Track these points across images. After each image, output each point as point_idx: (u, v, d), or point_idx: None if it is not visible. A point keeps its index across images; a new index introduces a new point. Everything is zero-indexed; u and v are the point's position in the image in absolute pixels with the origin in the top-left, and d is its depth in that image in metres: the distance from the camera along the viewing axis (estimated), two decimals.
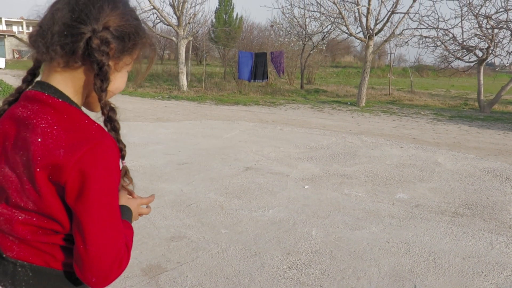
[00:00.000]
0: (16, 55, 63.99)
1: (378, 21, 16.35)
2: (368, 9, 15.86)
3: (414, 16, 14.97)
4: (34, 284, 1.04)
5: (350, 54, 76.50)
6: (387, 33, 16.61)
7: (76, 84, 1.04)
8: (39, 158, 0.93)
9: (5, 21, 64.79)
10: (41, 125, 0.95)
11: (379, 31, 16.09)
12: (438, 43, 17.47)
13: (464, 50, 17.49)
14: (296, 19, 20.75)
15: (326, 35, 20.95)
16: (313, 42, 21.33)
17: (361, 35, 16.68)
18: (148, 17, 18.27)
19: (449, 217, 4.80)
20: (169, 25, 17.98)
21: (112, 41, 1.01)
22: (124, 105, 14.47)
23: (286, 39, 23.00)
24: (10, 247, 1.04)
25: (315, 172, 6.41)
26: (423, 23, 15.10)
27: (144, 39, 1.12)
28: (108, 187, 0.97)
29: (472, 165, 7.33)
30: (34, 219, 1.00)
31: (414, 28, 15.67)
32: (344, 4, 15.45)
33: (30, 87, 1.06)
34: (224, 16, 35.93)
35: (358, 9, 16.30)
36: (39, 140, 0.94)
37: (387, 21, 15.59)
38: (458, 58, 17.22)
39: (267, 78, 18.04)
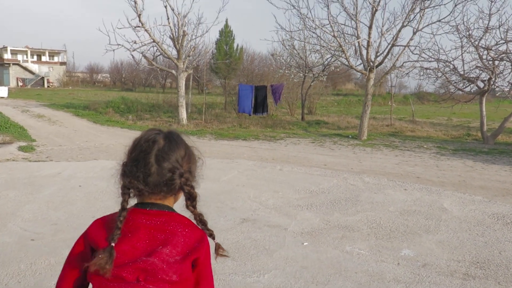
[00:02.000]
0: (20, 83, 64.41)
1: (378, 54, 16.19)
2: (368, 41, 15.71)
3: (415, 49, 14.79)
4: None
5: (351, 82, 76.80)
6: (388, 64, 16.44)
7: (171, 203, 1.53)
8: (187, 251, 1.43)
9: (11, 50, 65.43)
10: (178, 230, 1.45)
11: (380, 63, 15.91)
12: (439, 74, 17.27)
13: (466, 81, 17.29)
14: (296, 51, 20.66)
15: (327, 67, 20.84)
16: (313, 74, 21.21)
17: (361, 67, 16.50)
18: (149, 50, 18.19)
19: (460, 280, 4.42)
20: (168, 58, 17.84)
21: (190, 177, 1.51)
22: (120, 140, 14.24)
23: (286, 71, 22.90)
24: None
25: (315, 223, 6.04)
26: (423, 55, 14.92)
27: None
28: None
29: (480, 210, 6.96)
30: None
31: (415, 61, 15.49)
32: (344, 37, 15.30)
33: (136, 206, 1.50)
34: (225, 47, 36.08)
35: (358, 42, 16.15)
36: (182, 240, 1.44)
37: (387, 54, 15.42)
38: (460, 89, 16.98)
39: (267, 111, 17.82)
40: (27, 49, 67.27)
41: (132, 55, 17.38)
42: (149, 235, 1.41)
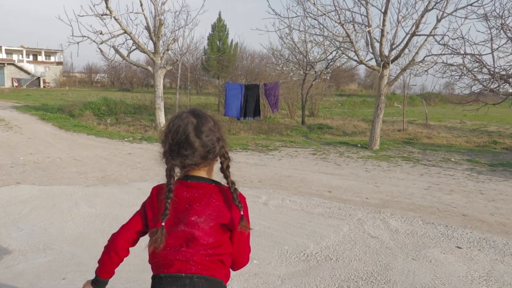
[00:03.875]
0: (15, 84, 61.58)
1: (394, 46, 13.09)
2: (382, 30, 12.61)
3: (442, 39, 11.64)
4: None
5: (354, 82, 73.54)
6: (405, 60, 13.34)
7: (210, 171, 1.80)
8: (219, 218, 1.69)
9: (5, 49, 62.53)
10: (213, 200, 1.70)
11: (396, 57, 12.80)
12: (465, 70, 14.13)
13: (497, 80, 14.15)
14: (296, 45, 17.56)
15: (331, 63, 17.74)
16: (315, 71, 18.10)
17: (373, 62, 13.41)
18: (124, 43, 15.14)
19: None
20: (143, 51, 14.79)
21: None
22: (76, 152, 11.21)
23: (285, 68, 19.77)
24: (189, 268, 1.64)
25: None
26: (449, 47, 11.78)
27: None
28: None
29: None
30: (210, 249, 1.68)
31: (440, 54, 12.34)
32: (353, 26, 12.19)
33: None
34: (218, 43, 32.80)
35: (369, 32, 13.06)
36: (216, 209, 1.70)
37: (406, 45, 12.30)
38: (492, 91, 13.83)
39: (260, 115, 14.72)
40: (22, 48, 64.34)
41: (99, 48, 14.36)
42: (188, 207, 1.66)
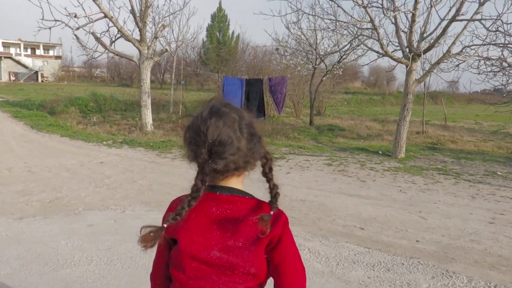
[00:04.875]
0: (12, 78, 59.23)
1: (425, 35, 10.69)
2: (413, 15, 10.19)
3: (494, 23, 9.19)
4: None
5: (358, 80, 70.93)
6: (438, 52, 10.92)
7: (241, 180, 1.40)
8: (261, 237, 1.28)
9: (2, 42, 60.00)
10: (250, 217, 1.30)
11: (429, 48, 10.38)
12: (505, 65, 11.73)
13: None
14: (304, 35, 15.12)
15: (344, 56, 15.31)
16: (326, 66, 15.68)
17: (399, 54, 11.01)
18: (107, 31, 12.74)
19: None
20: (127, 39, 12.39)
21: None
22: (41, 160, 8.89)
23: (291, 61, 17.33)
24: None
25: None
26: (503, 33, 9.37)
27: None
28: None
29: None
30: (251, 281, 1.32)
31: (484, 44, 9.94)
32: (383, 8, 9.73)
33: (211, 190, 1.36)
34: (218, 34, 30.14)
35: (394, 17, 10.65)
36: (254, 229, 1.28)
37: (443, 32, 9.87)
38: None
39: (264, 115, 12.29)
40: (20, 41, 61.85)
41: (75, 35, 11.96)
42: (220, 227, 1.30)
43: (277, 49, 23.99)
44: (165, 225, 1.27)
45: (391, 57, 10.64)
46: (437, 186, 8.10)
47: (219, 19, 30.06)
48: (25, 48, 63.11)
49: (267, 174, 1.42)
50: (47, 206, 5.88)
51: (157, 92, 28.31)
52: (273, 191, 1.39)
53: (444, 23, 10.01)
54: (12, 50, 61.65)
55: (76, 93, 28.32)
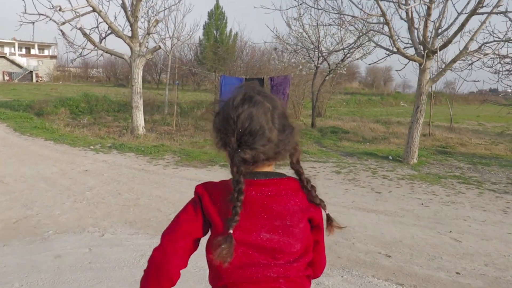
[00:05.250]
0: (6, 77, 58.02)
1: (440, 30, 9.76)
2: (428, 9, 9.25)
3: None
4: None
5: (355, 80, 69.99)
6: (449, 50, 9.97)
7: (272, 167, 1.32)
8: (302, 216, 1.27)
9: None
10: (290, 197, 1.28)
11: (446, 44, 9.44)
12: None
13: None
14: (306, 32, 14.15)
15: (348, 54, 14.34)
16: (329, 65, 14.72)
17: (411, 51, 10.06)
18: (97, 27, 11.75)
19: None
20: (118, 36, 11.40)
21: None
22: (17, 168, 7.91)
23: (292, 60, 16.33)
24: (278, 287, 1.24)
25: None
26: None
27: None
28: None
29: None
30: (301, 258, 1.28)
31: (506, 41, 9.01)
32: (398, 4, 8.78)
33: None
34: (215, 33, 28.97)
35: (406, 11, 9.72)
36: (297, 207, 1.27)
37: (462, 27, 8.93)
38: None
39: None
40: (14, 41, 60.58)
41: (61, 30, 10.96)
42: (264, 209, 1.25)
43: (275, 48, 23.00)
44: (231, 231, 1.18)
45: (403, 55, 9.69)
46: (460, 198, 7.16)
47: (216, 17, 28.89)
48: (20, 48, 61.88)
49: (295, 165, 1.34)
50: (11, 229, 4.89)
51: (153, 92, 27.39)
52: (308, 185, 1.30)
53: (463, 17, 9.07)
54: (7, 50, 60.40)
55: (70, 94, 27.28)
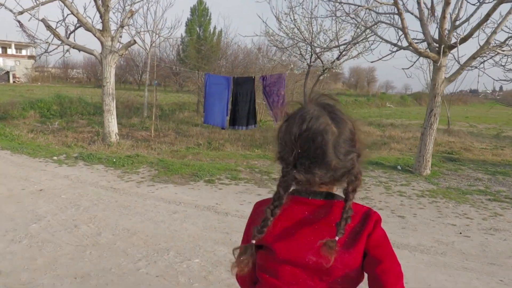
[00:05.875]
0: None
1: (457, 23, 8.41)
2: None
3: None
4: None
5: (339, 81, 68.84)
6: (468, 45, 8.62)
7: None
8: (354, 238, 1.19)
9: None
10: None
11: (467, 37, 8.06)
12: None
13: None
14: (298, 28, 12.67)
15: (344, 52, 12.93)
16: (322, 63, 13.30)
17: (422, 46, 8.67)
18: (64, 19, 10.12)
19: None
20: (87, 29, 9.78)
21: None
22: None
23: (284, 58, 14.84)
24: None
25: None
26: None
27: None
28: None
29: None
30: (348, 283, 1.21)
31: None
32: None
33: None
34: (198, 30, 27.23)
35: (418, 1, 8.37)
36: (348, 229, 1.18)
37: (486, 18, 7.55)
38: None
39: (255, 123, 9.79)
40: None
41: (18, 21, 9.29)
42: (314, 230, 1.19)
43: (259, 48, 21.51)
44: (253, 241, 1.16)
45: (416, 50, 8.28)
46: (501, 222, 5.77)
47: (199, 13, 27.04)
48: (3, 48, 59.23)
49: (349, 194, 1.17)
50: None
51: (132, 93, 25.67)
52: (344, 214, 1.16)
53: (487, 6, 7.71)
54: None
55: (47, 95, 25.35)
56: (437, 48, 8.40)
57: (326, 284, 1.19)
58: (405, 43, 8.79)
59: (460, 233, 5.28)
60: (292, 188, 1.18)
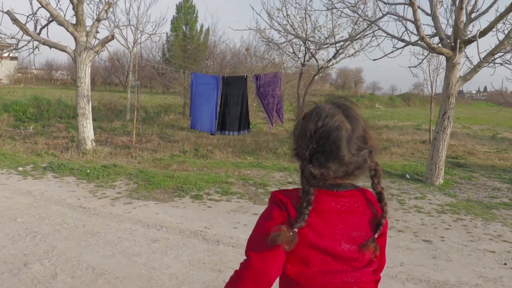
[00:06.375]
0: None
1: (473, 15, 7.46)
2: None
3: None
4: None
5: (326, 82, 68.02)
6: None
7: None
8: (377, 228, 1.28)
9: None
10: (368, 209, 1.29)
11: (486, 32, 7.10)
12: None
13: None
14: (291, 24, 11.65)
15: (340, 50, 11.93)
16: (317, 62, 12.29)
17: (433, 42, 7.70)
18: (35, 13, 8.95)
19: None
20: (59, 23, 8.63)
21: None
22: None
23: (275, 56, 13.80)
24: None
25: None
26: None
27: None
28: None
29: None
30: (376, 267, 1.31)
31: None
32: None
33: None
34: (184, 28, 25.95)
35: None
36: (373, 219, 1.29)
37: (510, 9, 6.60)
38: None
39: (249, 128, 8.71)
40: None
41: None
42: (342, 220, 1.25)
43: (247, 49, 20.37)
44: (296, 230, 1.18)
45: (428, 46, 7.30)
46: None
47: (185, 10, 25.75)
48: None
49: (377, 186, 1.30)
50: None
51: (116, 95, 24.41)
52: (384, 207, 1.29)
53: None
54: None
55: (28, 97, 23.95)
56: (451, 44, 7.45)
57: (357, 272, 1.24)
58: (412, 39, 7.86)
59: (505, 263, 4.29)
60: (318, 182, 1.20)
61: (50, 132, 12.38)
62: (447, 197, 6.87)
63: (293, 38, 11.31)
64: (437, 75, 14.68)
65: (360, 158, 1.22)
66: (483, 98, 69.91)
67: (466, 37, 7.28)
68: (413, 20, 7.08)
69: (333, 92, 55.00)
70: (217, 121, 8.41)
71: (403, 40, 8.07)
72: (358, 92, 58.63)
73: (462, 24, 7.30)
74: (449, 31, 7.79)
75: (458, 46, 7.20)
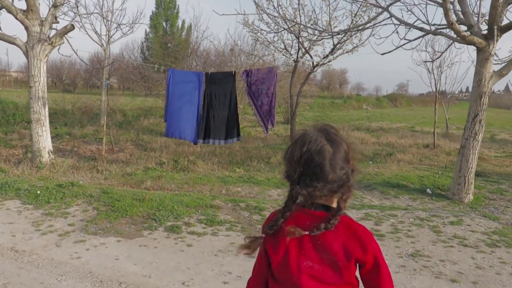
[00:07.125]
0: None
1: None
2: None
3: None
4: None
5: (311, 83, 66.81)
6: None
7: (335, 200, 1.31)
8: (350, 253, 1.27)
9: None
10: (342, 232, 1.27)
11: None
12: None
13: None
14: (281, 16, 10.19)
15: (338, 45, 10.51)
16: (312, 58, 10.85)
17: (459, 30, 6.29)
18: None
19: None
20: (8, 10, 6.99)
21: None
22: None
23: (266, 51, 12.30)
24: None
25: None
26: None
27: None
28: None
29: None
30: None
31: None
32: None
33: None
34: (164, 24, 24.19)
35: None
36: (345, 243, 1.27)
37: None
38: None
39: (239, 135, 7.15)
40: None
41: None
42: (314, 240, 1.28)
43: (231, 49, 18.82)
44: (263, 235, 1.31)
45: (458, 34, 5.88)
46: None
47: (166, 6, 23.97)
48: None
49: (341, 202, 1.31)
50: None
51: (90, 98, 22.69)
52: (333, 218, 1.29)
53: None
54: None
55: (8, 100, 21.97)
56: (483, 32, 6.05)
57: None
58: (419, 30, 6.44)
59: None
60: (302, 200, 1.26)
61: (9, 140, 10.69)
62: (488, 221, 5.44)
63: (283, 30, 9.79)
64: (441, 73, 13.42)
65: (344, 176, 1.25)
66: (465, 98, 69.17)
67: (501, 24, 5.90)
68: (442, 1, 5.65)
69: (320, 94, 53.76)
70: (199, 127, 6.84)
71: (421, 29, 6.66)
72: (344, 93, 57.57)
73: (499, 7, 5.90)
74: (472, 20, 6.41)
75: (495, 34, 5.79)
